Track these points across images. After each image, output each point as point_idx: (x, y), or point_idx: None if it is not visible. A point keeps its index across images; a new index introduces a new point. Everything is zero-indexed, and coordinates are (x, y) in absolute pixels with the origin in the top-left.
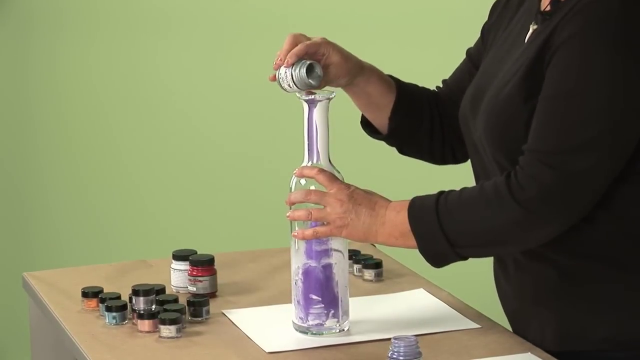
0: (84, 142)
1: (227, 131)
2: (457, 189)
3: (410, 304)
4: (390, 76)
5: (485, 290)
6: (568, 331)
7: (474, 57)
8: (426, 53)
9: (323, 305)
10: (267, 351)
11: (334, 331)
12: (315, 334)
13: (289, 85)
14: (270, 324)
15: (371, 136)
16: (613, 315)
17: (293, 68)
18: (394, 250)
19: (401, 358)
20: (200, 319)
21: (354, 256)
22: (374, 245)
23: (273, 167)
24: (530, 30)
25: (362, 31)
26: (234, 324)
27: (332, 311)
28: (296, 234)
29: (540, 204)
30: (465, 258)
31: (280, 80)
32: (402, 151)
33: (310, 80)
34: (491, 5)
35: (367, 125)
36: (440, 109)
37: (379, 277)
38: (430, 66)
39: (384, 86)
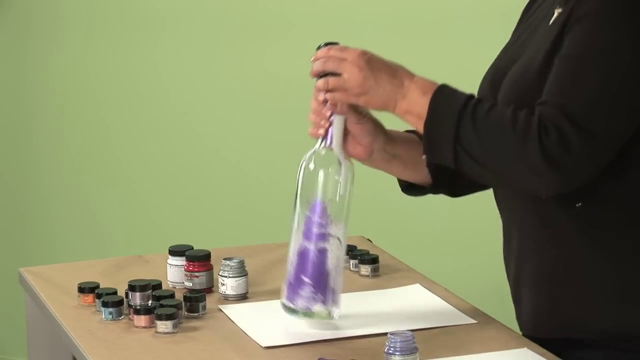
0: (81, 139)
1: (223, 127)
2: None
3: (407, 299)
4: (406, 131)
5: (481, 286)
6: (565, 319)
7: None
8: (428, 50)
9: (313, 289)
10: (263, 346)
11: (323, 315)
12: (304, 315)
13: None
14: (267, 319)
15: (420, 195)
16: (613, 304)
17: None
18: (390, 246)
19: (397, 353)
20: (196, 314)
21: (351, 251)
22: (370, 241)
23: (269, 163)
24: (555, 14)
25: (361, 28)
26: (231, 319)
27: (322, 297)
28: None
29: (558, 151)
30: (455, 165)
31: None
32: (454, 194)
33: None
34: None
35: (411, 189)
36: None
37: (375, 272)
38: (432, 62)
39: (408, 142)
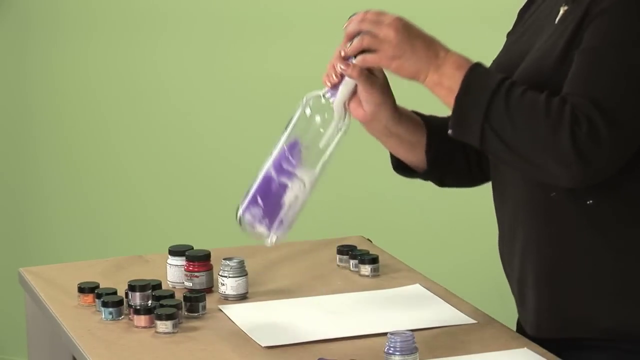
0: (81, 139)
1: (223, 127)
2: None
3: (407, 300)
4: (414, 112)
5: (481, 286)
6: (570, 317)
7: None
8: None
9: (262, 213)
10: (263, 346)
11: (263, 238)
12: (247, 230)
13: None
14: (267, 319)
15: (409, 177)
16: (619, 303)
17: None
18: (390, 246)
19: (397, 353)
20: (196, 314)
21: (351, 251)
22: (370, 241)
23: None
24: (561, 12)
25: None
26: (230, 320)
27: (268, 223)
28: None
29: (588, 143)
30: (481, 144)
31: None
32: (442, 183)
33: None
34: None
35: (402, 169)
36: None
37: (375, 272)
38: None
39: (412, 125)
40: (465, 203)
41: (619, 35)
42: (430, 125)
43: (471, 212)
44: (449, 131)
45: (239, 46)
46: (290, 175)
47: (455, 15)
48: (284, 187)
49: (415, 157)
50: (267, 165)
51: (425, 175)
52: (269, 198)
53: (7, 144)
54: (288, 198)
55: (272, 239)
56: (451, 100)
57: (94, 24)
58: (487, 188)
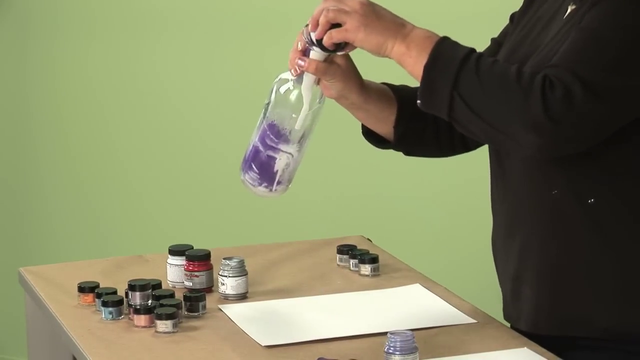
0: (81, 138)
1: (223, 127)
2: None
3: (407, 299)
4: (387, 84)
5: (481, 286)
6: (568, 316)
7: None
8: None
9: (259, 178)
10: (263, 345)
11: (265, 195)
12: (248, 189)
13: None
14: (267, 318)
15: (376, 146)
16: (619, 303)
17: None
18: (390, 245)
19: (397, 353)
20: (196, 314)
21: (350, 251)
22: (370, 240)
23: None
24: (569, 10)
25: None
26: (230, 319)
27: (266, 184)
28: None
29: (561, 107)
30: (449, 112)
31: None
32: (409, 154)
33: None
34: None
35: (369, 135)
36: None
37: (375, 272)
38: None
39: (383, 101)
40: (466, 203)
41: (614, 19)
42: (402, 101)
43: (471, 212)
44: (418, 102)
45: (238, 46)
46: (275, 149)
47: (453, 14)
48: (272, 158)
49: (384, 130)
50: (254, 136)
51: (392, 147)
52: (262, 166)
53: (7, 144)
54: (279, 166)
55: (275, 193)
56: (419, 70)
57: (94, 24)
58: (488, 187)
